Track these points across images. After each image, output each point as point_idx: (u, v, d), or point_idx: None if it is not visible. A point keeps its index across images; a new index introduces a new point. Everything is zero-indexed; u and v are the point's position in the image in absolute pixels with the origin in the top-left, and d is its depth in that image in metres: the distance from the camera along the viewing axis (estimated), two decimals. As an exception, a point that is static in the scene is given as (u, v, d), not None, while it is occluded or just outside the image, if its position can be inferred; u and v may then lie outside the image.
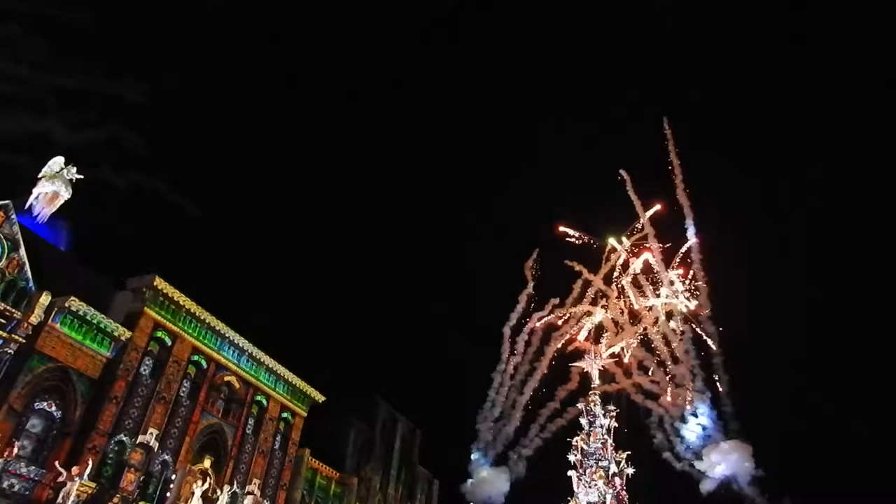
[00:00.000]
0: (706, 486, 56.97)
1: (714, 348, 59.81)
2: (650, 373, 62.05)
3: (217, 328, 32.71)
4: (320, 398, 39.52)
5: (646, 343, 63.66)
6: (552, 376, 64.61)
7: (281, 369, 36.60)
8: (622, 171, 66.25)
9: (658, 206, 64.27)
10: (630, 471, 31.44)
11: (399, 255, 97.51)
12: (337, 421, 43.37)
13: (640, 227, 64.89)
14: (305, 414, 38.72)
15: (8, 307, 23.61)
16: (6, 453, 21.83)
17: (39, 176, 27.45)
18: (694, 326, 60.99)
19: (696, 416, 59.60)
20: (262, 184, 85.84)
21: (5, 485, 22.35)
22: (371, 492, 44.16)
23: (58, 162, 29.27)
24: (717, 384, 59.23)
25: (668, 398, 60.50)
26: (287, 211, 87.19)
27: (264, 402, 35.80)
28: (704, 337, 60.31)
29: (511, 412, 62.58)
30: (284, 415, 37.22)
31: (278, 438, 36.56)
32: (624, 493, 30.92)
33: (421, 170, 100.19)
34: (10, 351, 23.35)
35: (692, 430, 59.53)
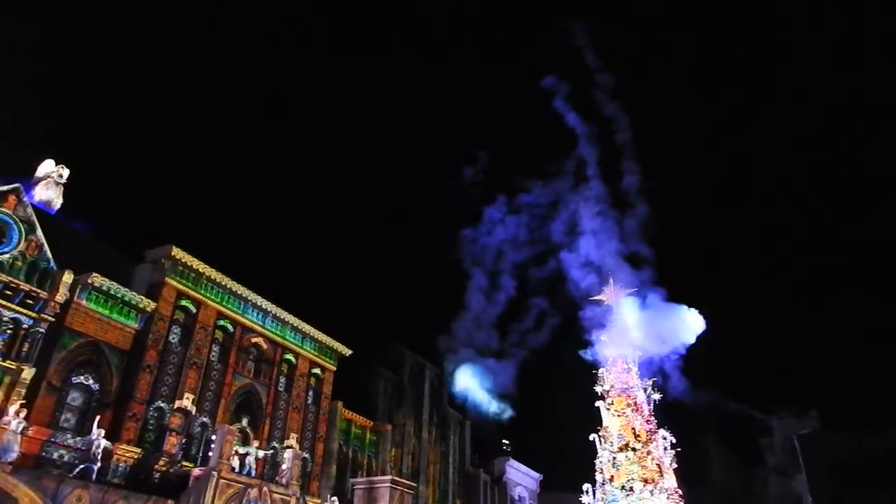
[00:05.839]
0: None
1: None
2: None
3: (239, 292, 33.12)
4: (347, 352, 40.23)
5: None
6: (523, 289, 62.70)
7: (306, 327, 37.19)
8: (546, 82, 63.51)
9: None
10: (657, 396, 31.83)
11: (408, 208, 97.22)
12: (366, 372, 44.27)
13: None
14: (334, 368, 39.53)
15: (34, 288, 24.06)
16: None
17: (33, 181, 28.47)
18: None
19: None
20: (255, 129, 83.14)
21: (55, 455, 23.30)
22: (406, 437, 45.44)
23: (49, 164, 29.86)
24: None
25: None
26: (286, 169, 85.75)
27: (293, 359, 36.55)
28: None
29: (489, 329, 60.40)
30: (314, 370, 38.04)
31: (310, 393, 37.47)
32: (652, 417, 31.42)
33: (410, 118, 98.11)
34: (41, 330, 23.97)
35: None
